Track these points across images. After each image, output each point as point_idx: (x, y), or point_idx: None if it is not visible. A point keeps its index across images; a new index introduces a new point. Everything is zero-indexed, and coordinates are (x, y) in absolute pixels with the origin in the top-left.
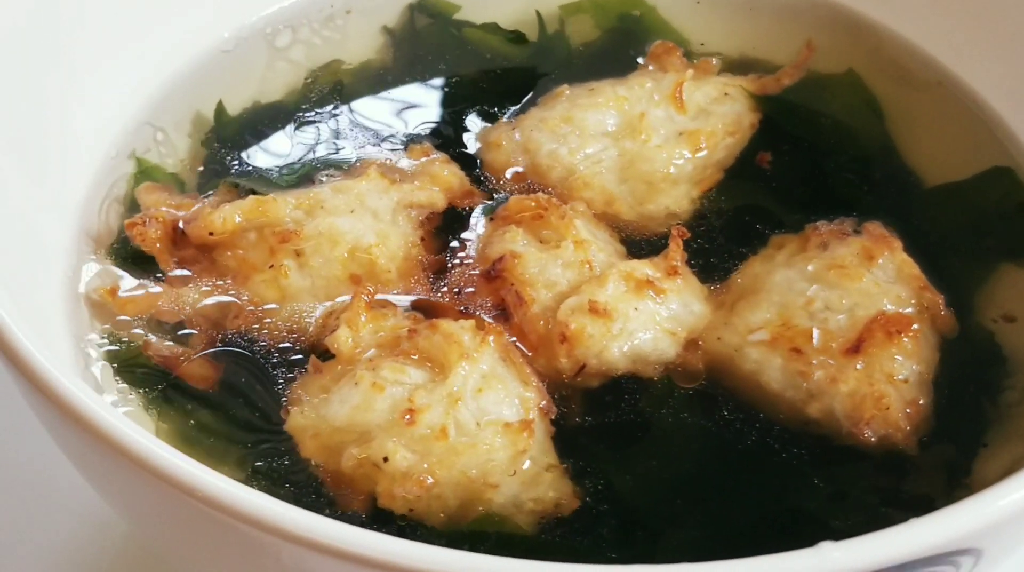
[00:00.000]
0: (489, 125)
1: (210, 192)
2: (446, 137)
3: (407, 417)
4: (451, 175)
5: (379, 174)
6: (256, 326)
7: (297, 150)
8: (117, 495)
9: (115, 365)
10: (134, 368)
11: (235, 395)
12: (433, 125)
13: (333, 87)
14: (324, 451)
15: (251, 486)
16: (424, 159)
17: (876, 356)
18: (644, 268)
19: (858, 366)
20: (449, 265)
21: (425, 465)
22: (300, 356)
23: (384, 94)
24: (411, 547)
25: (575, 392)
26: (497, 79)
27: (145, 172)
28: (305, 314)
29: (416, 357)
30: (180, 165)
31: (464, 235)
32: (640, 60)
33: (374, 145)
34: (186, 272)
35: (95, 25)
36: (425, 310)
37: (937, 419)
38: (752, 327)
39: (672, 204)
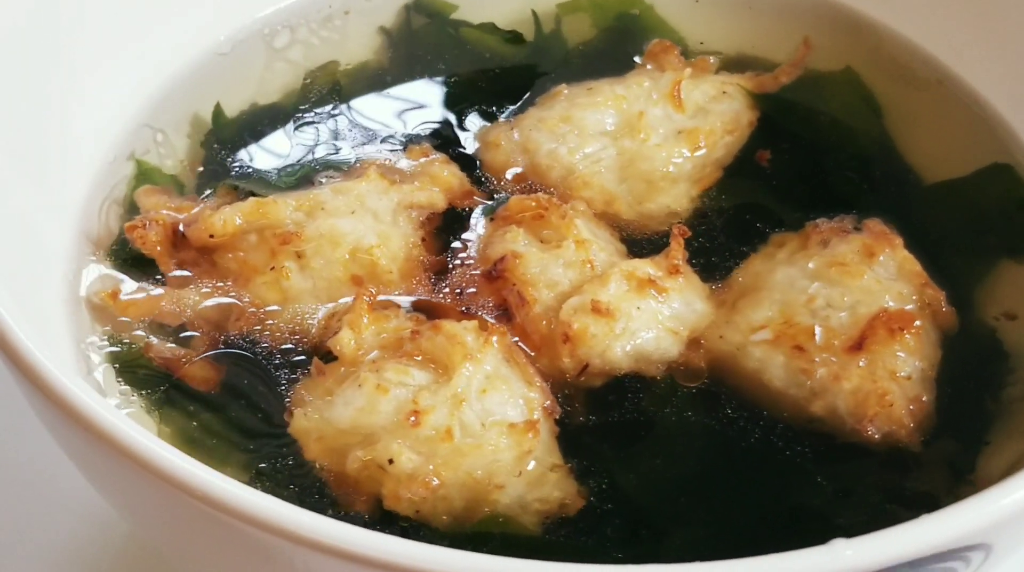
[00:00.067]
0: (488, 124)
1: (208, 191)
2: (445, 137)
3: (412, 419)
4: (451, 175)
5: (379, 175)
6: (258, 328)
7: (296, 151)
8: (120, 496)
9: (116, 366)
10: (136, 369)
11: (238, 397)
12: (431, 125)
13: (331, 88)
14: (329, 453)
15: (255, 488)
16: (423, 159)
17: (879, 353)
18: (646, 267)
19: (861, 363)
20: (450, 266)
21: (431, 467)
22: (302, 357)
23: (382, 94)
24: (420, 548)
25: (578, 392)
26: (495, 79)
27: (144, 174)
28: (307, 316)
29: (419, 358)
30: (179, 166)
31: (465, 235)
32: (637, 59)
33: (373, 146)
34: (187, 274)
35: (95, 25)
36: (427, 311)
37: (940, 416)
38: (754, 325)
39: (672, 203)
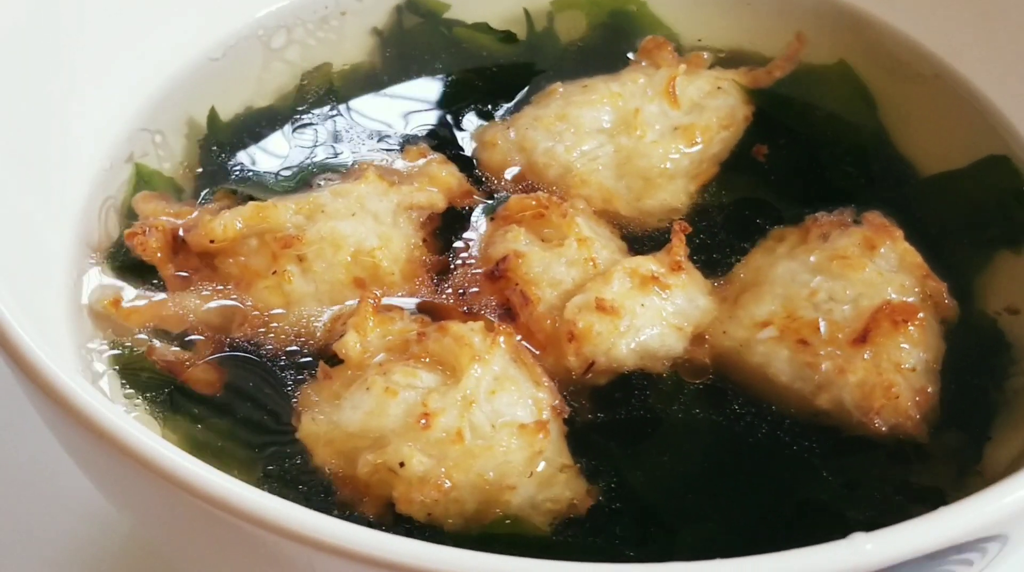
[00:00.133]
0: (484, 124)
1: (206, 194)
2: (441, 137)
3: (422, 421)
4: (449, 175)
5: (377, 176)
6: (262, 331)
7: (293, 154)
8: (122, 496)
9: (118, 368)
10: (139, 372)
11: (243, 399)
12: (427, 125)
13: (327, 90)
14: (338, 457)
15: (263, 489)
16: (421, 160)
17: (883, 345)
18: (648, 264)
19: (866, 356)
20: (452, 266)
21: (442, 469)
22: (308, 359)
23: (378, 95)
24: (430, 549)
25: (584, 390)
26: (489, 77)
27: (143, 178)
28: (312, 319)
29: (427, 360)
30: (178, 168)
31: (466, 235)
32: (631, 56)
33: (370, 147)
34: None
35: (95, 25)
36: (429, 312)
37: (945, 407)
38: (757, 320)
39: (670, 199)
